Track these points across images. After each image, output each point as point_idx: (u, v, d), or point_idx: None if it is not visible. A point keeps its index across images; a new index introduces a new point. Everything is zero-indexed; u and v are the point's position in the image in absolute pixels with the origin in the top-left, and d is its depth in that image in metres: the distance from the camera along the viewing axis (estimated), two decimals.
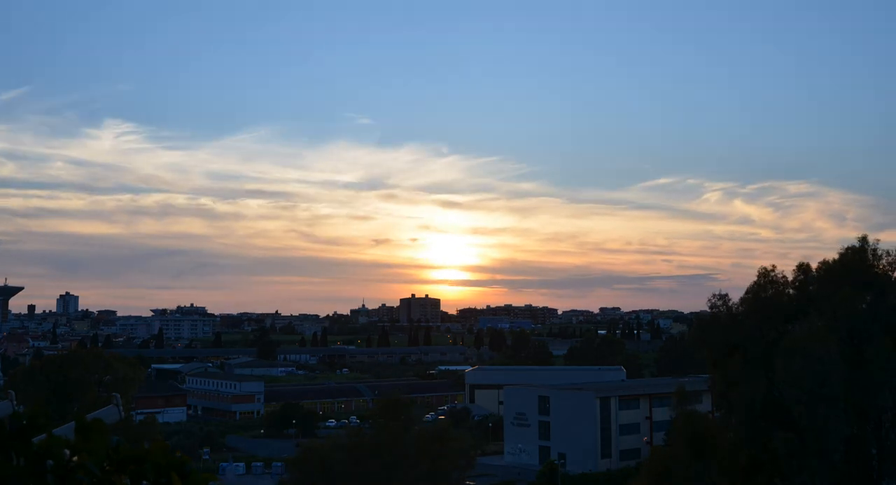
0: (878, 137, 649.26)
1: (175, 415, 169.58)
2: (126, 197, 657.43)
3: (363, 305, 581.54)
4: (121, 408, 14.28)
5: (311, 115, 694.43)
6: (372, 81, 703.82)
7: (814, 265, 58.57)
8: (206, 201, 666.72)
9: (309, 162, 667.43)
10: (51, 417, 3.68)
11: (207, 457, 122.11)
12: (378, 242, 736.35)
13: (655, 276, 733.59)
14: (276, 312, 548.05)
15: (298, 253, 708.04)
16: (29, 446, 3.28)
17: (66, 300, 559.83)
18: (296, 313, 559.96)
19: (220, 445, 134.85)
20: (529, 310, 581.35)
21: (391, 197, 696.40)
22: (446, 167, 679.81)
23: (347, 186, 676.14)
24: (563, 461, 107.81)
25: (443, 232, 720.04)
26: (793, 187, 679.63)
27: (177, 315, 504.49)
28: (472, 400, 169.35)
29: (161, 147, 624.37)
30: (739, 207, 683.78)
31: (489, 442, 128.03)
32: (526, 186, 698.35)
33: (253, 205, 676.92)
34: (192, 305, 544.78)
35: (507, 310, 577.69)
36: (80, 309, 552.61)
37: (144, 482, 3.52)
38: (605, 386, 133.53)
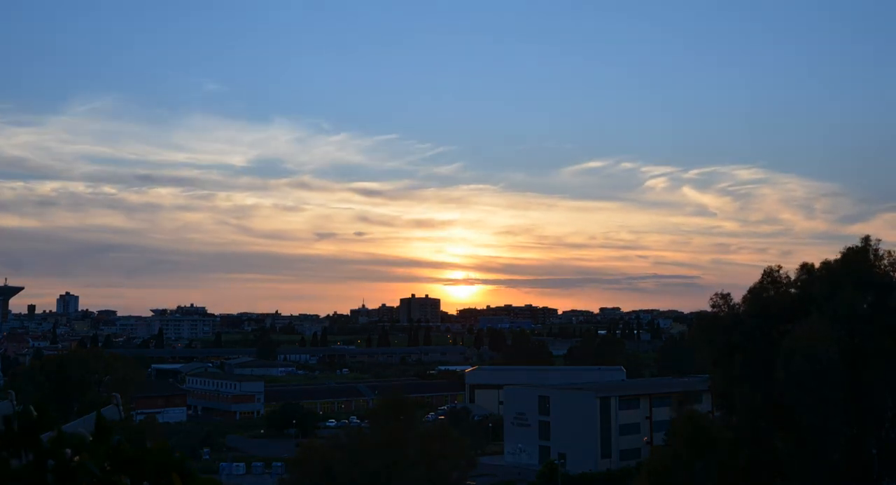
0: (832, 119, 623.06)
1: (175, 415, 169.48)
2: (18, 184, 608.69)
3: (363, 305, 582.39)
4: (121, 408, 14.29)
5: (145, 81, 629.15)
6: (212, 41, 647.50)
7: (815, 264, 58.64)
8: (110, 190, 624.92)
9: (183, 141, 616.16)
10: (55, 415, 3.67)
11: (207, 457, 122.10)
12: (321, 235, 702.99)
13: (639, 275, 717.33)
14: (276, 312, 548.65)
15: (244, 248, 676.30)
16: (39, 443, 3.27)
17: (66, 300, 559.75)
18: (296, 313, 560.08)
19: (220, 445, 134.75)
20: (529, 310, 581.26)
21: (303, 184, 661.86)
22: (341, 147, 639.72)
23: (250, 171, 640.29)
24: (563, 461, 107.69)
25: (387, 225, 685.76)
26: (743, 173, 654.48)
27: (177, 315, 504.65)
28: (472, 400, 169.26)
29: (4, 122, 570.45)
30: (691, 195, 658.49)
31: (489, 442, 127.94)
32: (444, 169, 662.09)
33: (165, 194, 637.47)
34: (191, 305, 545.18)
35: (507, 310, 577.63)
36: (80, 309, 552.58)
37: (145, 482, 3.51)
38: (605, 386, 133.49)
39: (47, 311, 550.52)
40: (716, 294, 60.01)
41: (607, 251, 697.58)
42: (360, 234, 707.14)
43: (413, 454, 69.17)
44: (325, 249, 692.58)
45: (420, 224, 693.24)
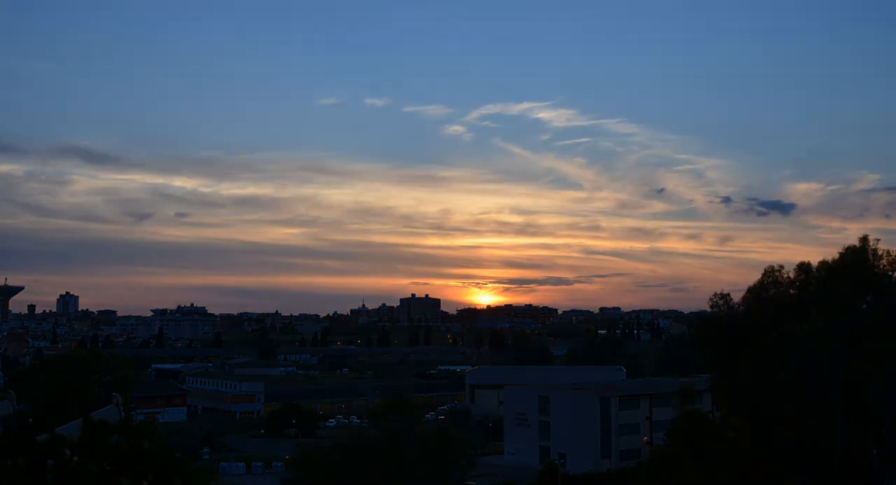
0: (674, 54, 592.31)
1: (175, 415, 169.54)
2: None
3: (363, 305, 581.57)
4: (121, 408, 14.29)
5: None
6: None
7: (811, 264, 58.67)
8: None
9: None
10: (52, 416, 3.71)
11: (207, 457, 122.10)
12: (138, 217, 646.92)
13: (582, 266, 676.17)
14: (277, 312, 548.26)
15: (84, 235, 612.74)
16: (33, 445, 3.31)
17: (66, 300, 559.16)
18: (296, 313, 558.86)
19: (220, 445, 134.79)
20: (529, 310, 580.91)
21: (18, 152, 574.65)
22: None
23: None
24: (563, 461, 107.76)
25: (207, 204, 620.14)
26: (552, 116, 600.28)
27: (177, 315, 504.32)
28: (472, 400, 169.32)
29: None
30: (521, 153, 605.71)
31: (489, 442, 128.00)
32: (155, 119, 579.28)
33: None
34: (192, 305, 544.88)
35: (507, 310, 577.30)
36: (80, 309, 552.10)
37: (144, 482, 3.54)
38: (605, 386, 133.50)
39: (47, 311, 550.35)
40: (715, 294, 60.04)
41: (512, 238, 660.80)
42: (181, 215, 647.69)
43: (414, 454, 69.20)
44: (165, 233, 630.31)
45: (244, 203, 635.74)
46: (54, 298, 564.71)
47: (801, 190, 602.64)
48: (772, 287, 57.76)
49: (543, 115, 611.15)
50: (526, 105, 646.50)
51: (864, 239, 56.86)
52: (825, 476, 51.94)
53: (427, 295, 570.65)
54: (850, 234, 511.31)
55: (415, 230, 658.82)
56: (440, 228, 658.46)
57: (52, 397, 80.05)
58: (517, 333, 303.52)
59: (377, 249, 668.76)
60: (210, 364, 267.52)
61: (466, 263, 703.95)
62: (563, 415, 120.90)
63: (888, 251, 56.49)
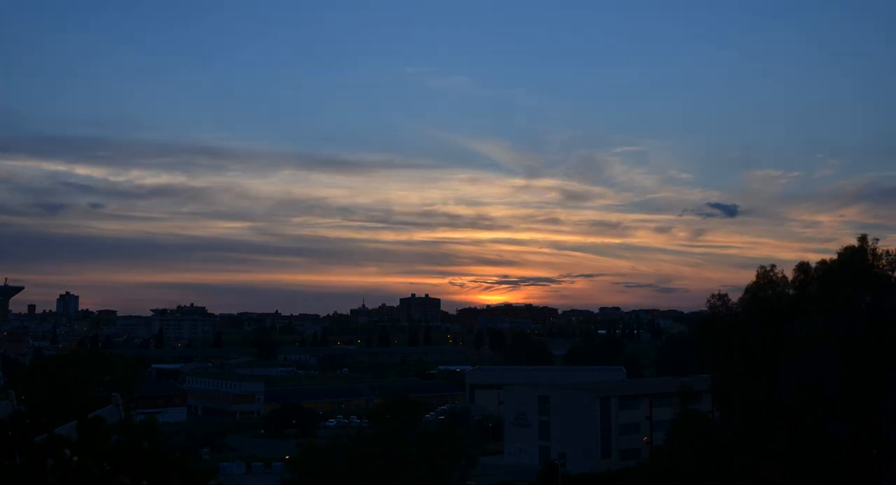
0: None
1: (175, 415, 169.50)
2: None
3: (363, 305, 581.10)
4: (121, 408, 14.28)
5: None
6: None
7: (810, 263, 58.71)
8: None
9: None
10: (50, 417, 3.72)
11: (207, 457, 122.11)
12: (49, 208, 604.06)
13: (555, 264, 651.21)
14: (276, 311, 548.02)
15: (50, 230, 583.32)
16: (31, 446, 3.31)
17: (66, 300, 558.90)
18: (296, 313, 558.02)
19: (220, 445, 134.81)
20: (529, 310, 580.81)
21: None
22: None
23: None
24: (563, 461, 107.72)
25: (121, 195, 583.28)
26: (445, 86, 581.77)
27: (177, 315, 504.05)
28: (472, 400, 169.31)
29: None
30: (431, 134, 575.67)
31: (489, 442, 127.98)
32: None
33: None
34: (192, 305, 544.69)
35: (507, 310, 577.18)
36: (80, 309, 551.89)
37: (144, 482, 3.55)
38: (605, 386, 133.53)
39: (47, 311, 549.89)
40: (713, 295, 60.30)
41: (470, 232, 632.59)
42: (96, 206, 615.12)
43: (414, 454, 69.24)
44: (97, 227, 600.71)
45: (162, 193, 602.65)
46: (54, 298, 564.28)
47: (759, 177, 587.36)
48: (769, 287, 57.83)
49: (435, 84, 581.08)
50: (411, 70, 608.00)
51: (863, 238, 56.92)
52: (825, 476, 51.95)
53: (427, 295, 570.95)
54: (825, 227, 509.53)
55: (364, 225, 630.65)
56: (387, 221, 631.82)
57: (51, 397, 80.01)
58: (517, 333, 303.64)
59: (334, 244, 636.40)
60: (210, 364, 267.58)
61: (436, 259, 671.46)
62: (563, 415, 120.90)
63: (887, 251, 56.59)
